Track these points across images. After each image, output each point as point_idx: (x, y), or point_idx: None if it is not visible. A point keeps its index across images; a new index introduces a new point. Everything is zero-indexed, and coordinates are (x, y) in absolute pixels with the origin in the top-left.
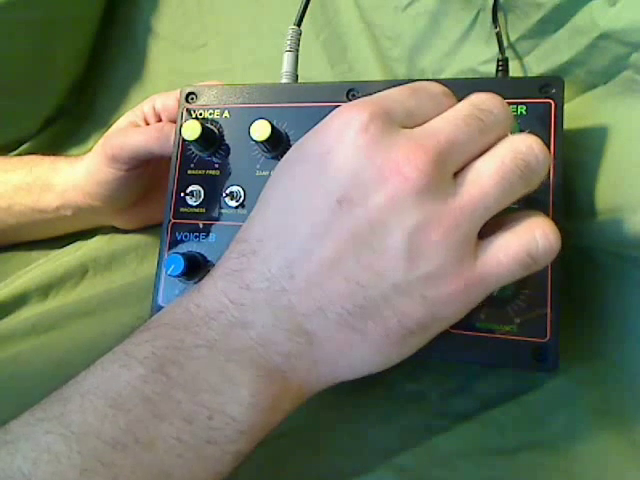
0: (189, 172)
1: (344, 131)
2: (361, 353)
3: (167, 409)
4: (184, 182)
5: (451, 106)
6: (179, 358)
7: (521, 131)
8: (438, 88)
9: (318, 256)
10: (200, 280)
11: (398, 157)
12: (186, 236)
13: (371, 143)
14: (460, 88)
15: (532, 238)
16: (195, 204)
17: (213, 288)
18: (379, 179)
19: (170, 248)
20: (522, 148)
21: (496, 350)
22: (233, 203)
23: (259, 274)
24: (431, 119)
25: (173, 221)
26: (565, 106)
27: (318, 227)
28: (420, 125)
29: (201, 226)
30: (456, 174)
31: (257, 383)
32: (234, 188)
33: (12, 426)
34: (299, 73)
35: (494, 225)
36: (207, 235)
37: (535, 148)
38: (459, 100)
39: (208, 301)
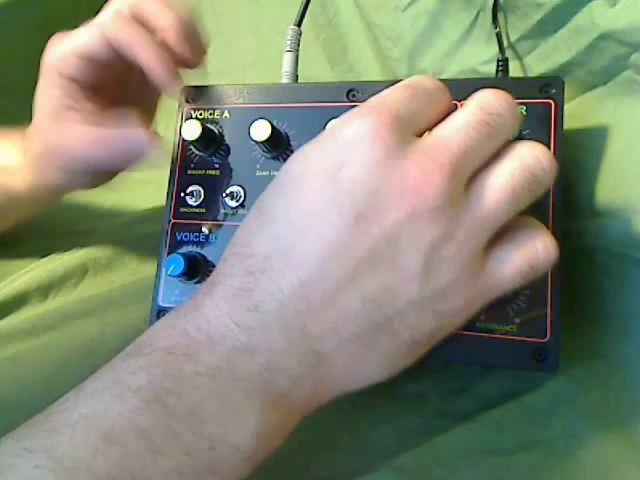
0: (189, 172)
1: (358, 143)
2: (370, 366)
3: (165, 443)
4: (184, 182)
5: (446, 102)
6: (177, 388)
7: (521, 133)
8: (433, 84)
9: (335, 276)
10: (200, 281)
11: (415, 173)
12: (186, 236)
13: (387, 157)
14: (460, 88)
15: (534, 251)
16: (195, 204)
17: (216, 309)
18: (396, 196)
19: (170, 248)
20: (530, 161)
21: (496, 350)
22: (233, 203)
23: (269, 294)
24: (432, 119)
25: (173, 221)
26: (565, 106)
27: (334, 246)
28: (424, 126)
29: (201, 226)
30: (466, 184)
31: (262, 412)
32: (234, 188)
33: None
34: (299, 73)
35: (496, 233)
36: (207, 235)
37: (543, 160)
38: (457, 99)
39: (210, 324)
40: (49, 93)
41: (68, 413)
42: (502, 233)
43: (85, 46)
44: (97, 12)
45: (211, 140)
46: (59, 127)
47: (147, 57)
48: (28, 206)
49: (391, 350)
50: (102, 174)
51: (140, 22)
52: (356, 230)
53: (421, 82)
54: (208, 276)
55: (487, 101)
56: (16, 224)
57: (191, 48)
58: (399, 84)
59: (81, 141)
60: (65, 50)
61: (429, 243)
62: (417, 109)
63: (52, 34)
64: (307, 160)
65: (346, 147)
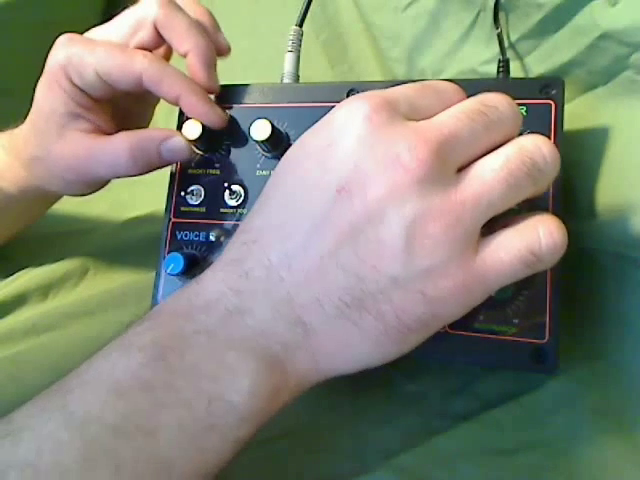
0: (190, 171)
1: (347, 123)
2: (360, 348)
3: (167, 396)
4: (185, 181)
5: (456, 101)
6: (179, 345)
7: (521, 133)
8: (448, 85)
9: (316, 247)
10: None
11: (399, 147)
12: (186, 235)
13: (373, 133)
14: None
15: (535, 236)
16: (195, 203)
17: (212, 278)
18: (379, 169)
19: (170, 247)
20: (529, 146)
21: (495, 351)
22: (233, 202)
23: (258, 262)
24: (436, 114)
25: (173, 220)
26: (565, 106)
27: (317, 219)
28: (424, 117)
29: (201, 225)
30: (460, 170)
31: (257, 372)
32: (234, 187)
33: (15, 417)
34: (299, 73)
35: (498, 226)
36: (207, 234)
37: (543, 148)
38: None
39: (207, 290)
40: (56, 97)
41: (81, 376)
42: (506, 223)
43: (109, 69)
44: (96, 13)
45: (212, 139)
46: (65, 134)
47: (185, 102)
48: (21, 209)
49: (378, 332)
50: (99, 183)
51: (162, 36)
52: (339, 204)
53: (435, 83)
54: None
55: (486, 96)
56: (12, 235)
57: (213, 76)
58: (414, 83)
59: (102, 154)
60: (84, 62)
61: (411, 217)
62: (418, 101)
63: (52, 35)
64: (302, 145)
65: (336, 129)
